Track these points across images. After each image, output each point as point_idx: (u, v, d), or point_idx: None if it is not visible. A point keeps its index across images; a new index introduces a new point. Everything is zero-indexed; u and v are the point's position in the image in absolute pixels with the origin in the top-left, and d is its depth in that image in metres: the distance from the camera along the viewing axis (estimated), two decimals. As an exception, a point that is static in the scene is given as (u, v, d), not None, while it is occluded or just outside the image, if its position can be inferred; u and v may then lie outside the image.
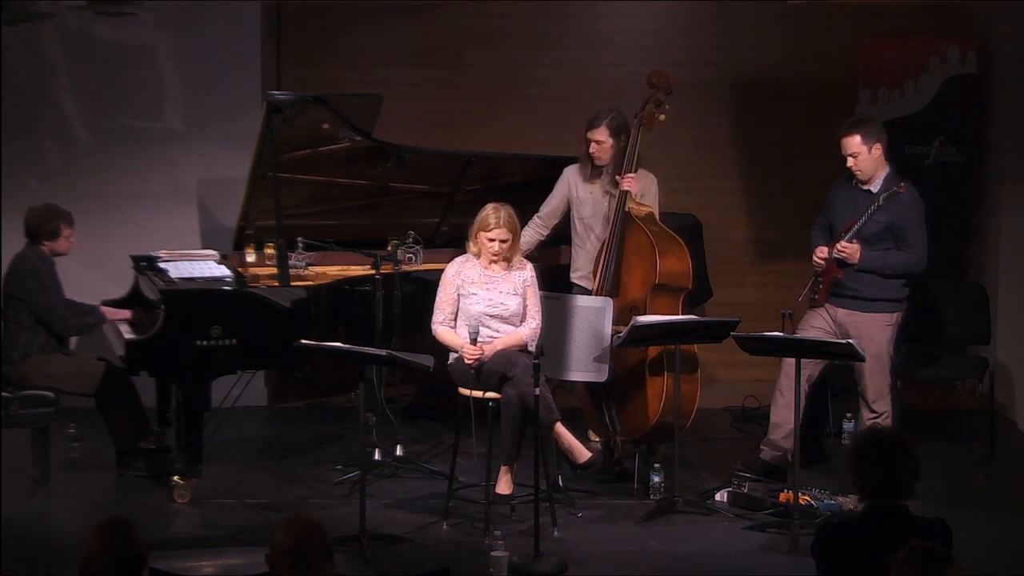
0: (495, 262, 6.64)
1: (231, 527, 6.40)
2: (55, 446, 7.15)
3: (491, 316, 6.59)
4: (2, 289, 7.16)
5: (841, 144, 6.83)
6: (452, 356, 6.67)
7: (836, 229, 6.89)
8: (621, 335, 6.67)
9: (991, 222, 8.73)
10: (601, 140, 7.15)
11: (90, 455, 7.40)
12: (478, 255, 6.67)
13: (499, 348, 6.51)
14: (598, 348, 6.84)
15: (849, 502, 6.45)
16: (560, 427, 6.48)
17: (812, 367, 6.87)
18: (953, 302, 7.87)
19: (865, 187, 6.85)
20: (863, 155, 6.80)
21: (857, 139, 6.79)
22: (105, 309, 7.28)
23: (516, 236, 6.66)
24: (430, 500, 6.76)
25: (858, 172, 6.84)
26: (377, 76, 8.72)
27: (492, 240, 6.60)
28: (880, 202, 6.71)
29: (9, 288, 7.11)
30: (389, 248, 7.43)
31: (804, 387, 6.75)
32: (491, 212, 6.62)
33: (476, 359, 6.44)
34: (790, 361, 6.53)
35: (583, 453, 6.53)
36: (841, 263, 6.81)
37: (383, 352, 6.35)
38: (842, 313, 6.86)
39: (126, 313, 7.29)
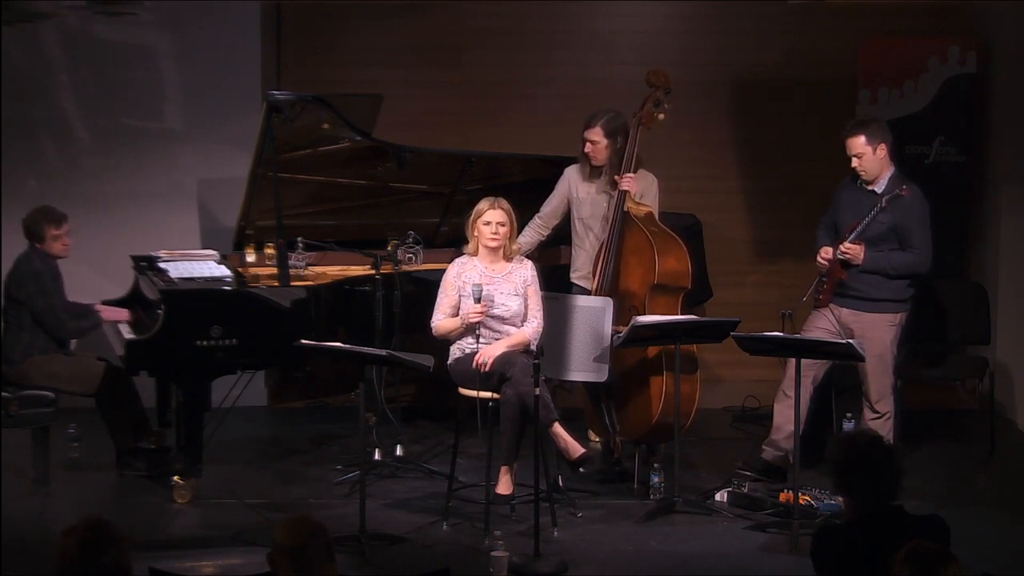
0: (494, 250, 6.63)
1: (231, 527, 6.39)
2: (55, 446, 7.14)
3: (491, 316, 6.59)
4: (2, 290, 7.16)
5: (845, 144, 6.83)
6: (452, 356, 6.66)
7: (840, 229, 6.89)
8: (621, 335, 6.67)
9: (991, 222, 8.72)
10: (595, 140, 7.15)
11: (90, 455, 7.38)
12: (475, 252, 6.67)
13: (503, 349, 6.50)
14: (598, 348, 6.84)
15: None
16: (557, 426, 6.47)
17: (817, 368, 6.86)
18: (953, 302, 7.86)
19: (869, 187, 6.85)
20: (867, 155, 6.79)
21: (861, 139, 6.78)
22: (102, 308, 7.27)
23: (512, 224, 6.65)
24: (430, 500, 6.75)
25: (862, 172, 6.83)
26: (377, 76, 8.71)
27: (488, 223, 6.60)
28: (883, 204, 6.70)
29: (10, 289, 7.11)
30: (389, 248, 7.43)
31: (809, 388, 6.75)
32: (485, 201, 6.66)
33: (483, 315, 6.44)
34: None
35: (577, 449, 6.50)
36: (845, 264, 6.81)
37: (383, 352, 6.35)
38: (846, 313, 6.85)
39: (123, 313, 7.27)
